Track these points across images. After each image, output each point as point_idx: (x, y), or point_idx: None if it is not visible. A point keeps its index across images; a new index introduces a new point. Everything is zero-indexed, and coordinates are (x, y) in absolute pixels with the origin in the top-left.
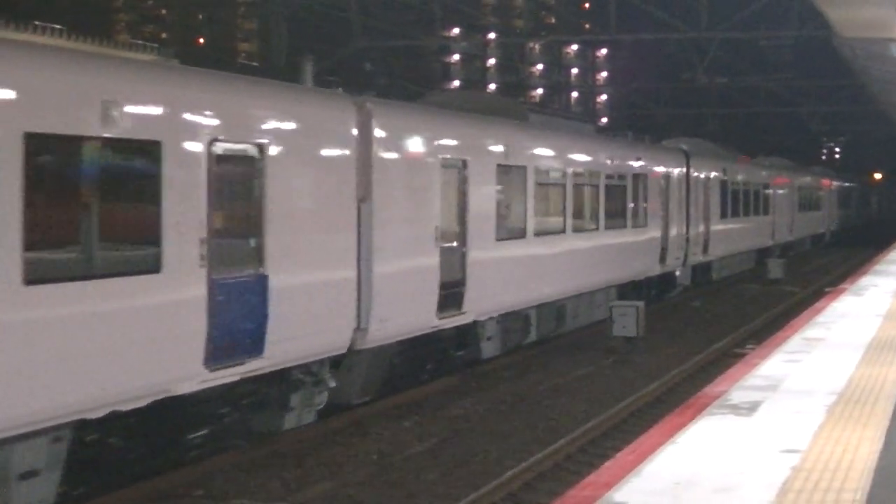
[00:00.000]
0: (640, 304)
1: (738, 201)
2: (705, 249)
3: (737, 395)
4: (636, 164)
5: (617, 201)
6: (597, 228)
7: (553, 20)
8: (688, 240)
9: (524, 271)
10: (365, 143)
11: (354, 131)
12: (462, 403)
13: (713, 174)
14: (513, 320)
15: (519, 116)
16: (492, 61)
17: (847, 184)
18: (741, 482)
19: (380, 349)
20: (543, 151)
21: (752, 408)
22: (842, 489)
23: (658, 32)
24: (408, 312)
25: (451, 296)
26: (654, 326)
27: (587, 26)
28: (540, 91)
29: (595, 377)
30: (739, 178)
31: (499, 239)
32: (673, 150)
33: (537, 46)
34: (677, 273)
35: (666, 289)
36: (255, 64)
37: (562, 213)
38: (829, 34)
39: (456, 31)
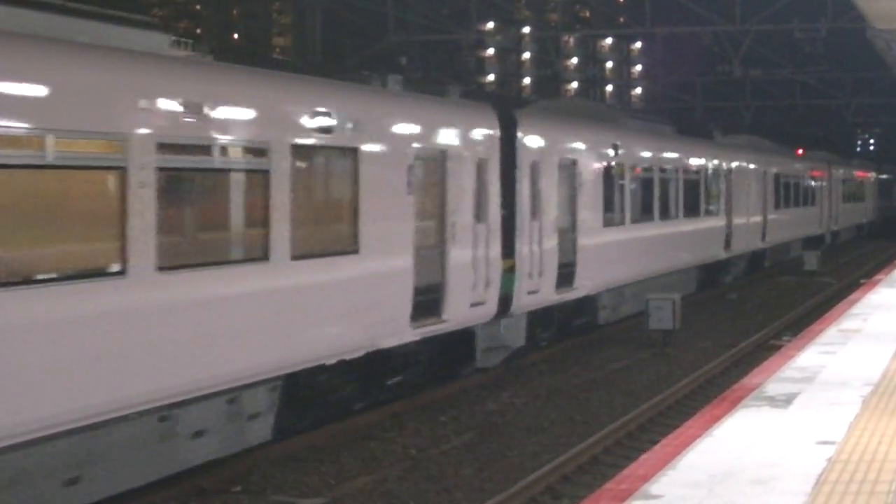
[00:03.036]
0: (677, 296)
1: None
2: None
3: (773, 387)
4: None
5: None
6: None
7: (588, 14)
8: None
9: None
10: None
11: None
12: (498, 397)
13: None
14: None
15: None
16: (526, 55)
17: (886, 176)
18: (777, 474)
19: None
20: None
21: (787, 400)
22: (877, 481)
23: (692, 25)
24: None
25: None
26: (690, 319)
27: (622, 20)
28: (575, 85)
29: (631, 370)
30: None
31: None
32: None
33: (572, 40)
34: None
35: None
36: (288, 59)
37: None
38: (863, 26)
39: (490, 25)
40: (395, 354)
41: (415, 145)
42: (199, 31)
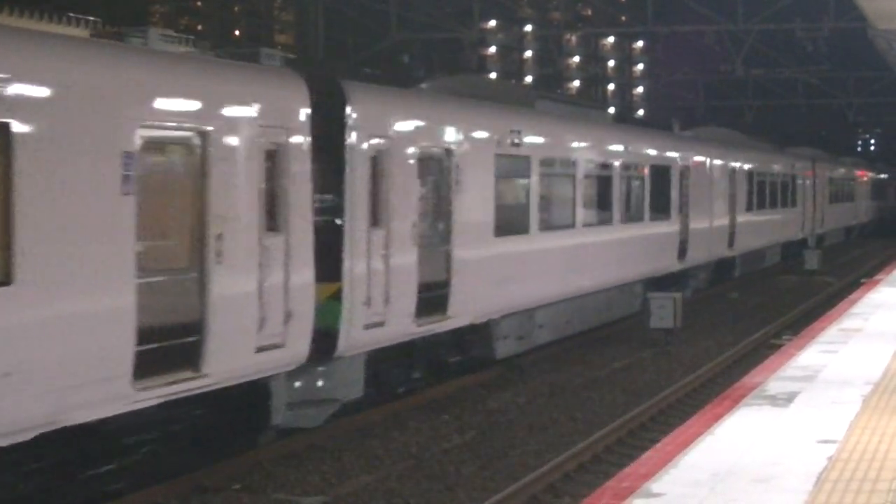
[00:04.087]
0: (678, 295)
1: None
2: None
3: (774, 386)
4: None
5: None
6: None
7: (590, 12)
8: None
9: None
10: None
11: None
12: (500, 396)
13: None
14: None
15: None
16: (528, 53)
17: (880, 175)
18: (778, 472)
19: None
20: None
21: (788, 398)
22: (878, 479)
23: (695, 24)
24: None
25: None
26: (691, 318)
27: (624, 18)
28: (577, 83)
29: (633, 369)
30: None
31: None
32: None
33: (574, 39)
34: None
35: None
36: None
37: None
38: (865, 26)
39: (493, 23)
40: (115, 431)
41: (138, 123)
42: (199, 27)
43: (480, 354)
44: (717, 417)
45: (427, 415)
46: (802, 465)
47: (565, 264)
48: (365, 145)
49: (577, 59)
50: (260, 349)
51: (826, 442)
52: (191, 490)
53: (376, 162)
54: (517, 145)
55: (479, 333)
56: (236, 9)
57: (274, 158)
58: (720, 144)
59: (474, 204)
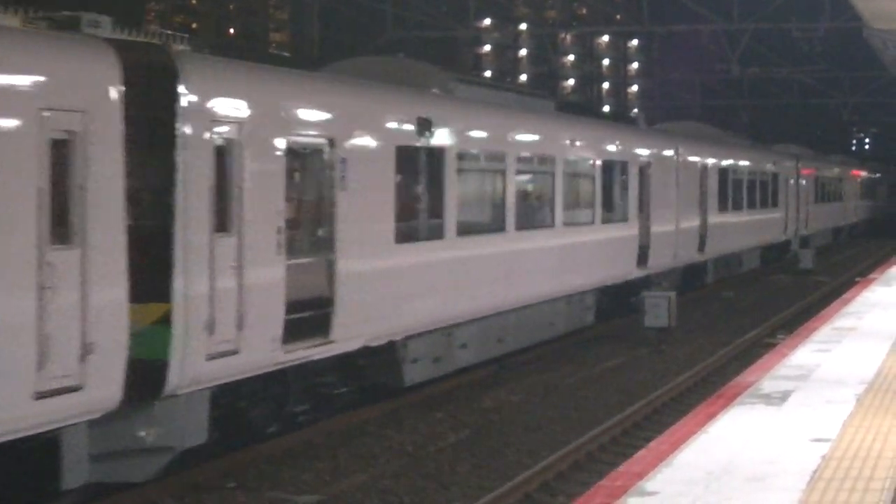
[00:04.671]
0: (672, 294)
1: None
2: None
3: (768, 385)
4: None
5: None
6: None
7: (584, 11)
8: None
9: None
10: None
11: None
12: (495, 395)
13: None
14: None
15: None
16: (523, 52)
17: (871, 174)
18: (772, 471)
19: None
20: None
21: (783, 397)
22: (871, 478)
23: (690, 23)
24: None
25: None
26: (686, 317)
27: (619, 17)
28: (571, 82)
29: (627, 367)
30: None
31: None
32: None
33: (569, 37)
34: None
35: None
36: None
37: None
38: (861, 25)
39: (488, 21)
40: None
41: None
42: (195, 25)
43: (383, 381)
44: (711, 416)
45: (422, 413)
46: (796, 464)
47: (495, 274)
48: (206, 133)
49: (571, 57)
50: (41, 395)
51: (820, 441)
52: (185, 488)
53: (224, 154)
54: (428, 136)
55: (379, 357)
56: (231, 7)
57: (65, 150)
58: (689, 139)
59: (367, 206)
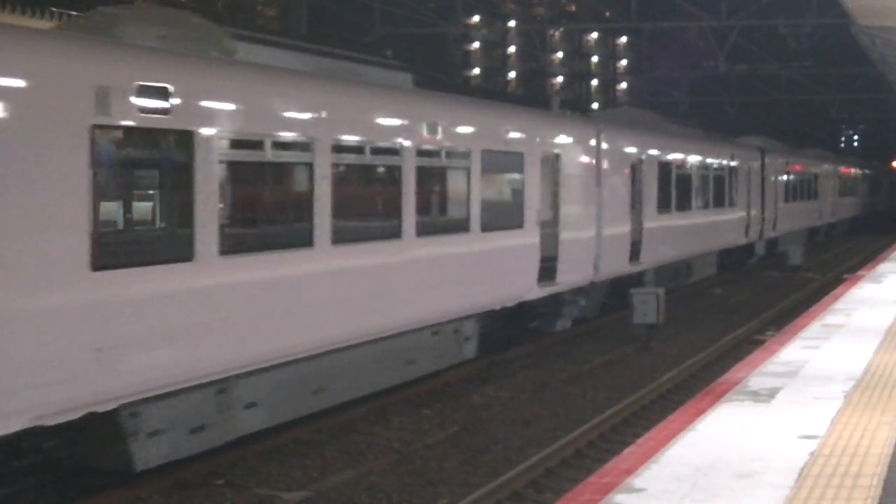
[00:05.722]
0: (661, 291)
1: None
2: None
3: (756, 382)
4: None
5: None
6: None
7: (573, 8)
8: None
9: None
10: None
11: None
12: (483, 391)
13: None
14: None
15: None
16: (512, 49)
17: (853, 169)
18: (760, 468)
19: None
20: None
21: (771, 394)
22: (859, 475)
23: (678, 20)
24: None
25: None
26: (675, 314)
27: (608, 14)
28: (560, 79)
29: (616, 364)
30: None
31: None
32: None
33: (557, 34)
34: None
35: None
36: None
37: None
38: (848, 22)
39: (476, 18)
40: None
41: None
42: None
43: (98, 465)
44: (700, 413)
45: (410, 410)
46: (784, 461)
47: (301, 305)
48: None
49: (560, 54)
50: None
51: (808, 437)
52: (173, 485)
53: None
54: (159, 112)
55: (91, 432)
56: (220, 3)
57: None
58: (616, 127)
59: (23, 215)
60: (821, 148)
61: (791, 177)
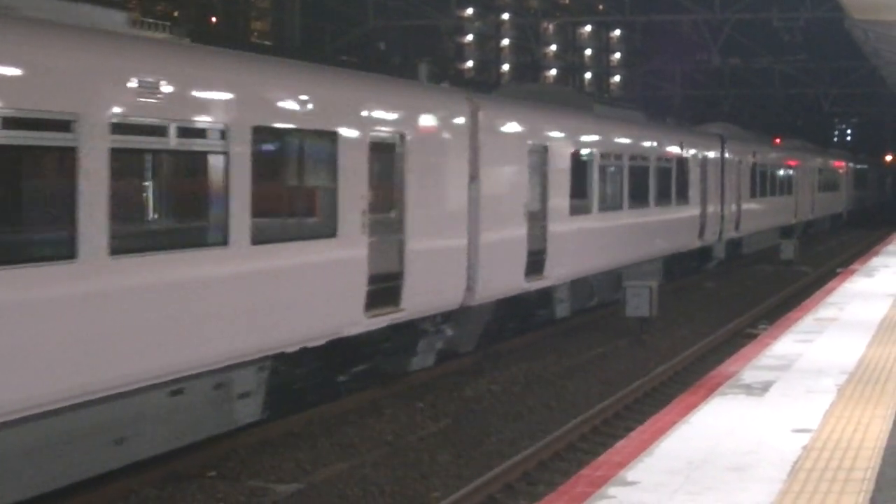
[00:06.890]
0: (654, 284)
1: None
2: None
3: (749, 375)
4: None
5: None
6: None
7: (567, 1)
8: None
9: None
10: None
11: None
12: (476, 384)
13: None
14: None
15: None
16: (505, 42)
17: (837, 163)
18: (753, 461)
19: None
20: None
21: (764, 387)
22: (852, 468)
23: (672, 13)
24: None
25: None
26: (667, 307)
27: (601, 7)
28: (554, 72)
29: (608, 358)
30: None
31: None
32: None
33: (551, 27)
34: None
35: None
36: (268, 43)
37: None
38: (842, 16)
39: (470, 11)
40: None
41: None
42: (176, 14)
43: None
44: (693, 406)
45: (402, 402)
46: (777, 454)
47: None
48: None
49: (554, 47)
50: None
51: (801, 431)
52: (165, 477)
53: None
54: None
55: None
56: None
57: None
58: (502, 104)
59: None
60: (812, 142)
61: (759, 169)
